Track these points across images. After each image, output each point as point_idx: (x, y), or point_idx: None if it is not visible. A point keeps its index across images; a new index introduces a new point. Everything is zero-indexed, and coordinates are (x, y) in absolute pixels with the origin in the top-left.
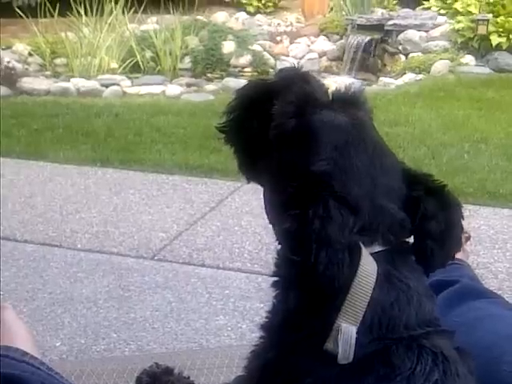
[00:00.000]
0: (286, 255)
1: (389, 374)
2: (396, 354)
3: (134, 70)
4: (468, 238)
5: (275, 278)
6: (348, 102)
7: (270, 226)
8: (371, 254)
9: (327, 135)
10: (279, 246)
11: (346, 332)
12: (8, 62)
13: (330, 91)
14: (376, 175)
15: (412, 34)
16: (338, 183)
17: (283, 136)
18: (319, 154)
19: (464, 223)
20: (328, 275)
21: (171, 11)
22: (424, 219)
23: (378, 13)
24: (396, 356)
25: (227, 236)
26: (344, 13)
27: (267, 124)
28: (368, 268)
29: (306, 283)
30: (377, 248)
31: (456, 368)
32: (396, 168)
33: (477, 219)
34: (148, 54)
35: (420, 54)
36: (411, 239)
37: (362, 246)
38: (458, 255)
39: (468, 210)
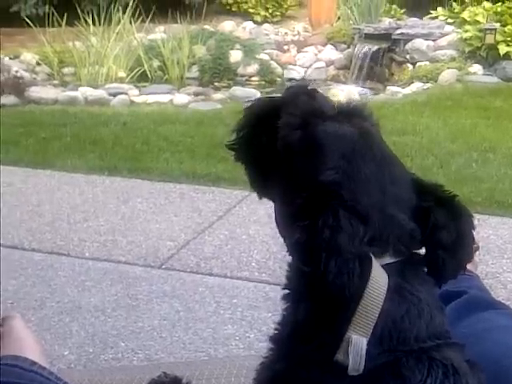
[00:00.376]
0: (296, 267)
1: None
2: (406, 365)
3: (141, 78)
4: (477, 249)
5: (286, 291)
6: (352, 113)
7: (279, 236)
8: (382, 266)
9: (333, 144)
10: (290, 259)
11: (357, 343)
12: (16, 72)
13: (335, 104)
14: (385, 184)
15: (419, 43)
16: (346, 192)
17: (290, 147)
18: (326, 164)
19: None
20: (338, 284)
21: (179, 20)
22: (435, 229)
23: (386, 22)
24: (406, 368)
25: (235, 245)
26: (351, 22)
27: (275, 139)
28: (379, 279)
29: (316, 293)
30: (388, 259)
31: (466, 381)
32: (405, 177)
33: (485, 229)
34: (155, 63)
35: (427, 63)
36: (422, 251)
37: (372, 257)
38: (467, 266)
39: (476, 219)
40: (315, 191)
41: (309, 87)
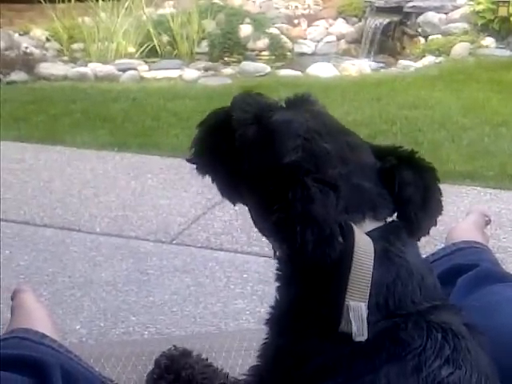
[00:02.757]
0: (280, 248)
1: (399, 352)
2: (405, 331)
3: (151, 54)
4: (488, 222)
5: (278, 272)
6: (299, 102)
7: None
8: (365, 233)
9: (288, 129)
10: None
11: (356, 309)
12: (26, 48)
13: (279, 101)
14: (346, 153)
15: (431, 16)
16: (310, 166)
17: (248, 142)
18: (286, 147)
19: (484, 207)
20: (318, 253)
21: None
22: (402, 186)
23: None
24: (405, 333)
25: (245, 220)
26: None
27: (233, 139)
28: (365, 245)
29: (302, 268)
30: (369, 226)
31: (466, 344)
32: (363, 145)
33: (497, 203)
34: (165, 38)
35: (440, 36)
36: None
37: (353, 224)
38: (479, 238)
39: (488, 193)
40: (282, 174)
41: (253, 92)
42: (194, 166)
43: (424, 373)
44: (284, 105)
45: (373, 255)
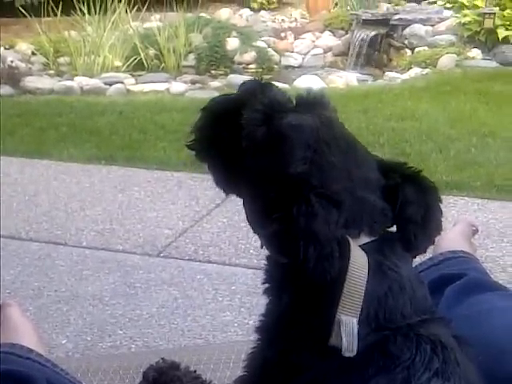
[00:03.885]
0: (274, 259)
1: (389, 364)
2: (395, 344)
3: (137, 67)
4: (476, 232)
5: (266, 285)
6: (312, 103)
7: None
8: (360, 246)
9: (298, 136)
10: (267, 253)
11: (348, 324)
12: (11, 62)
13: (291, 96)
14: (352, 168)
15: (418, 28)
16: (316, 180)
17: (255, 144)
18: (294, 156)
19: (472, 217)
20: (319, 270)
21: (175, 8)
22: (404, 205)
23: (384, 7)
24: (395, 346)
25: (233, 232)
26: (349, 8)
27: (238, 135)
28: (359, 259)
29: (299, 282)
30: (364, 239)
31: (455, 356)
32: (369, 160)
33: (485, 213)
34: (152, 51)
35: (426, 48)
36: (393, 228)
37: (349, 238)
38: (466, 248)
39: (476, 203)
40: (286, 183)
41: (263, 82)
42: (193, 153)
43: None
44: (295, 103)
45: (367, 270)
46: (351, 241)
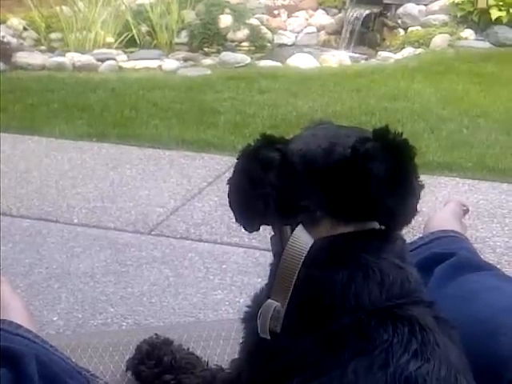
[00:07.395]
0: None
1: (366, 346)
2: (370, 325)
3: (129, 44)
4: (466, 212)
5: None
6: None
7: None
8: (337, 236)
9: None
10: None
11: (266, 306)
12: (3, 37)
13: None
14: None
15: (411, 7)
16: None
17: None
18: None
19: (463, 197)
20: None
21: None
22: (366, 160)
23: None
24: (370, 328)
25: (224, 211)
26: None
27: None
28: (297, 247)
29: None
30: (340, 229)
31: (434, 337)
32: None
33: (475, 194)
34: (144, 28)
35: (419, 28)
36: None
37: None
38: (456, 228)
39: (467, 184)
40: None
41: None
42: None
43: (392, 367)
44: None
45: (302, 258)
46: (298, 228)
